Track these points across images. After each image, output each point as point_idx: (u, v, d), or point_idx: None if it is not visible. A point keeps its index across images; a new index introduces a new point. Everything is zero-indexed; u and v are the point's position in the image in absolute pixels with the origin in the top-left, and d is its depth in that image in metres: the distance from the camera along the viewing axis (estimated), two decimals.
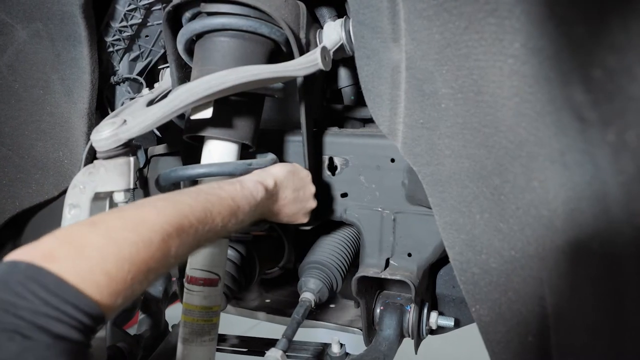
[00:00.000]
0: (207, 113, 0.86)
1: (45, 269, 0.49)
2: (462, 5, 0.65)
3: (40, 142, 1.21)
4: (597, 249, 0.55)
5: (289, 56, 0.96)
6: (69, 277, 0.49)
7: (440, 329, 1.20)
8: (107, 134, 0.81)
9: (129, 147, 0.85)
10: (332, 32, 1.01)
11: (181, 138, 0.99)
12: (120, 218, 0.58)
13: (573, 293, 0.60)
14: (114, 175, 0.86)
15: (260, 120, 1.00)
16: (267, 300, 1.48)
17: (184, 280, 1.00)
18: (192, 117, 0.87)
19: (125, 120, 0.83)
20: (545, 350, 0.67)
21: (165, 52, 1.19)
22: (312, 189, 0.96)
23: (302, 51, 0.95)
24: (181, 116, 0.96)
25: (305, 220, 0.96)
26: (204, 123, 0.90)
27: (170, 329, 1.38)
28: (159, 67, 1.24)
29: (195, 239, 0.66)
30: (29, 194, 1.26)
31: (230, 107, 0.91)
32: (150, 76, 1.25)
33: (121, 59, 1.19)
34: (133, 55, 1.19)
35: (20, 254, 0.51)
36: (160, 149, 1.25)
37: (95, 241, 0.54)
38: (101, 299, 0.51)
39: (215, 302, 0.97)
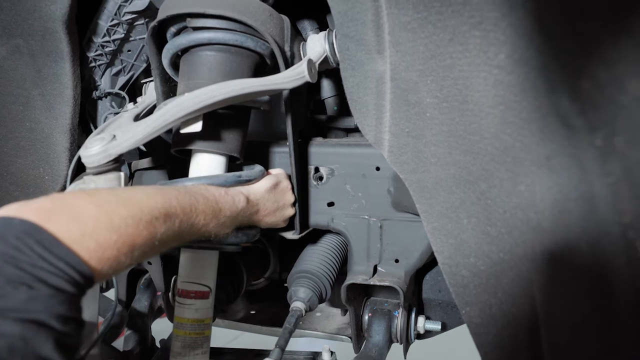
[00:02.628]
0: (197, 127, 0.87)
1: (40, 226, 0.52)
2: (447, 18, 0.68)
3: (19, 159, 1.19)
4: (586, 248, 0.57)
5: (274, 69, 0.97)
6: (62, 238, 0.53)
7: (428, 333, 1.22)
8: (97, 149, 0.81)
9: (119, 162, 0.85)
10: (316, 45, 1.03)
11: (165, 151, 1.00)
12: (114, 194, 0.63)
13: (563, 291, 0.62)
14: None
15: (247, 132, 1.01)
16: (253, 312, 1.48)
17: (170, 294, 1.00)
18: (182, 131, 0.88)
19: (114, 136, 0.83)
20: (536, 348, 0.69)
21: (147, 66, 1.19)
22: (291, 199, 1.03)
23: (288, 64, 0.97)
24: (167, 130, 0.96)
25: (284, 225, 1.04)
26: (192, 136, 0.91)
27: (157, 344, 1.37)
28: (141, 81, 1.23)
29: (180, 230, 0.71)
30: None
31: (217, 120, 0.92)
32: (132, 90, 1.25)
33: (103, 73, 1.18)
34: (115, 69, 1.18)
35: (13, 210, 0.53)
36: (144, 162, 1.24)
37: (89, 209, 0.57)
38: (90, 263, 0.54)
39: (207, 314, 0.97)
